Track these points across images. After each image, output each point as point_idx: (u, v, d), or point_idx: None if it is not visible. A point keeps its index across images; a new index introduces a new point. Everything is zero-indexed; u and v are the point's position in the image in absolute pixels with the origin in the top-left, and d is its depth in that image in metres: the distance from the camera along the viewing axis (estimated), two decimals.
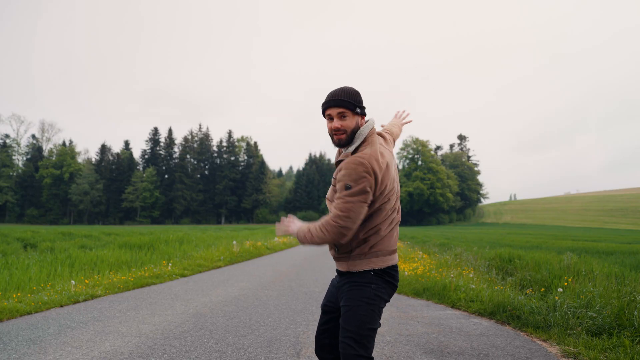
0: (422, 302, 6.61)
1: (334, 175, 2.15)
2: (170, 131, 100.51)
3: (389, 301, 2.20)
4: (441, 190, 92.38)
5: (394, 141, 2.57)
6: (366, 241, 2.10)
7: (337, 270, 2.26)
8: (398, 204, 2.20)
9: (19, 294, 6.16)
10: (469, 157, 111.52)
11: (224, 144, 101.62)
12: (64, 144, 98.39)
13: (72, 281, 7.13)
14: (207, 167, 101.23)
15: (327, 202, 2.24)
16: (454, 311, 5.91)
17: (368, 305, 2.08)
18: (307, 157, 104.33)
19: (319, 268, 11.06)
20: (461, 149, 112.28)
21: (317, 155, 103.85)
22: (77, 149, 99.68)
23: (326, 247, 13.86)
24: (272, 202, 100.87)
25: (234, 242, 15.62)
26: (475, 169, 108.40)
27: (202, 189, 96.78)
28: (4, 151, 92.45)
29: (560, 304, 4.89)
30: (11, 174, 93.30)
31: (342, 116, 2.09)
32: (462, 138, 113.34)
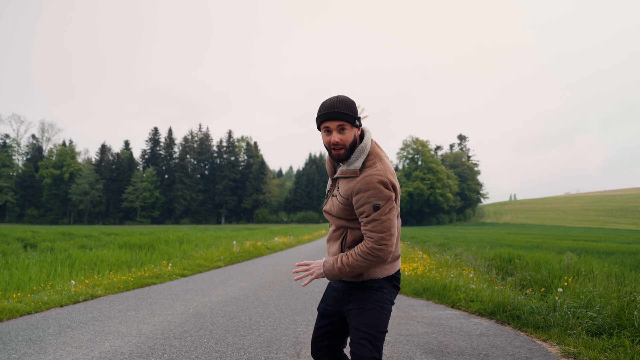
0: (422, 302, 6.61)
1: (341, 193, 2.05)
2: (170, 131, 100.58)
3: (394, 304, 2.22)
4: (441, 190, 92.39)
5: None
6: None
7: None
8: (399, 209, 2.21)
9: (19, 294, 6.15)
10: (469, 157, 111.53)
11: (224, 144, 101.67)
12: (64, 144, 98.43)
13: (72, 281, 7.13)
14: (207, 167, 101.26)
15: (326, 215, 2.19)
16: (454, 311, 5.91)
17: (381, 308, 2.08)
18: (307, 157, 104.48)
19: None
20: (461, 149, 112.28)
21: (317, 155, 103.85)
22: (77, 149, 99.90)
23: (325, 247, 13.80)
24: (272, 202, 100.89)
25: (234, 242, 15.62)
26: (475, 169, 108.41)
27: (202, 189, 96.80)
28: (4, 151, 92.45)
29: (560, 304, 4.89)
30: (11, 174, 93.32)
31: (341, 129, 1.99)
32: (462, 138, 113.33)
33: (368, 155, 2.03)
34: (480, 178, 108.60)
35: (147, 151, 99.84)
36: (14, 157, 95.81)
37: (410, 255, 12.99)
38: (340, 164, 2.11)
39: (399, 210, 2.20)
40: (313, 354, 2.30)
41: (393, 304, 2.17)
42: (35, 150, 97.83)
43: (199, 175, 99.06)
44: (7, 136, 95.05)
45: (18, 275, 7.32)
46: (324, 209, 2.22)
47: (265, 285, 7.92)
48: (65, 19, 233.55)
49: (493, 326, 5.01)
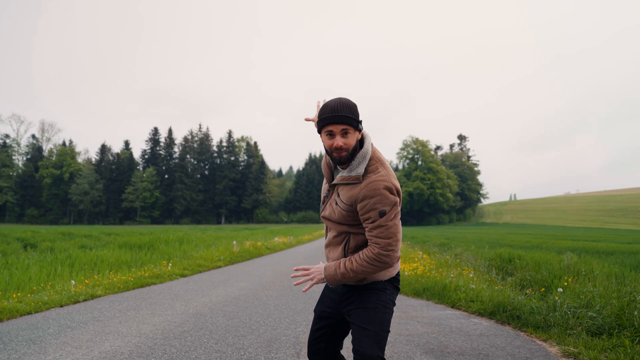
0: (422, 302, 6.62)
1: (343, 200, 2.02)
2: (170, 131, 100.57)
3: (395, 305, 2.22)
4: (441, 190, 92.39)
5: None
6: None
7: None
8: None
9: (19, 294, 6.15)
10: (469, 157, 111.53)
11: (224, 144, 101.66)
12: (64, 144, 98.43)
13: (72, 281, 7.13)
14: (207, 167, 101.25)
15: (326, 221, 2.16)
16: (454, 311, 5.91)
17: (385, 308, 2.07)
18: (307, 157, 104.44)
19: None
20: (461, 149, 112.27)
21: (317, 155, 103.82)
22: (77, 149, 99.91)
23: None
24: (272, 202, 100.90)
25: (234, 242, 15.62)
26: (475, 169, 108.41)
27: (202, 189, 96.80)
28: (4, 151, 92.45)
29: (560, 304, 4.89)
30: (11, 174, 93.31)
31: (344, 133, 1.95)
32: (462, 138, 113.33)
33: (370, 160, 2.01)
34: (480, 178, 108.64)
35: (147, 151, 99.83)
36: (14, 157, 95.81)
37: (410, 255, 12.98)
38: (340, 168, 2.08)
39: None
40: (310, 356, 2.29)
41: (395, 305, 2.17)
42: (35, 150, 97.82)
43: (199, 175, 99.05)
44: (7, 136, 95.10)
45: (18, 275, 7.32)
46: (322, 215, 2.18)
47: (265, 285, 7.92)
48: (65, 19, 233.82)
49: (493, 326, 5.01)
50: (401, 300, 6.59)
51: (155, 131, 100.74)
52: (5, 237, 19.46)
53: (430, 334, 4.62)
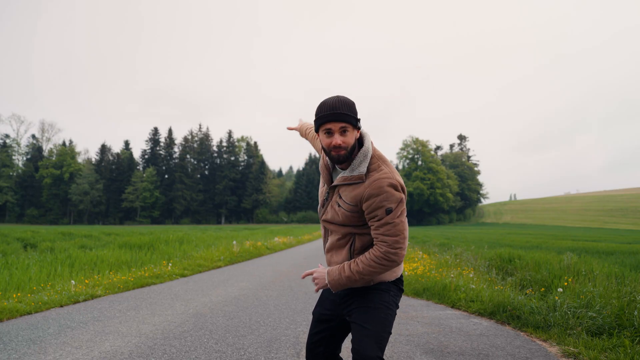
0: (422, 302, 6.62)
1: (346, 201, 1.99)
2: (170, 131, 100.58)
3: (399, 307, 2.18)
4: (441, 190, 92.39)
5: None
6: None
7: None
8: None
9: (19, 294, 6.15)
10: (469, 157, 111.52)
11: (224, 144, 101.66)
12: (64, 144, 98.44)
13: (72, 281, 7.13)
14: (207, 167, 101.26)
15: (327, 224, 2.13)
16: (454, 311, 5.91)
17: (387, 309, 2.04)
18: (307, 157, 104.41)
19: None
20: (461, 149, 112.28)
21: (317, 155, 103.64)
22: (77, 149, 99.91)
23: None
24: (272, 202, 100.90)
25: (234, 242, 15.62)
26: (475, 169, 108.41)
27: (202, 189, 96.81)
28: (4, 151, 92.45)
29: (560, 304, 4.89)
30: (11, 174, 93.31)
31: (343, 131, 1.92)
32: (462, 138, 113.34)
33: (371, 158, 1.99)
34: (480, 178, 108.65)
35: (147, 151, 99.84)
36: (14, 157, 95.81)
37: (410, 255, 12.98)
38: (339, 168, 2.05)
39: None
40: (308, 359, 2.25)
41: (398, 307, 2.13)
42: (35, 150, 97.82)
43: (199, 175, 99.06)
44: (7, 136, 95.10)
45: (18, 275, 7.32)
46: (324, 218, 2.13)
47: (265, 285, 7.92)
48: (65, 19, 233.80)
49: (493, 326, 5.01)
50: (401, 300, 6.54)
51: (155, 131, 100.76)
52: (5, 237, 19.46)
53: (430, 334, 4.62)
